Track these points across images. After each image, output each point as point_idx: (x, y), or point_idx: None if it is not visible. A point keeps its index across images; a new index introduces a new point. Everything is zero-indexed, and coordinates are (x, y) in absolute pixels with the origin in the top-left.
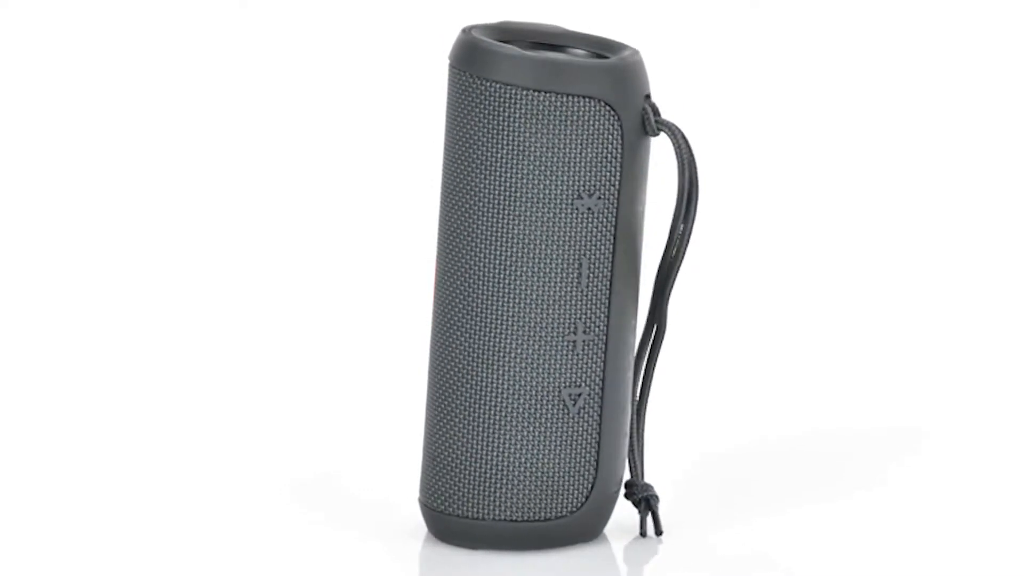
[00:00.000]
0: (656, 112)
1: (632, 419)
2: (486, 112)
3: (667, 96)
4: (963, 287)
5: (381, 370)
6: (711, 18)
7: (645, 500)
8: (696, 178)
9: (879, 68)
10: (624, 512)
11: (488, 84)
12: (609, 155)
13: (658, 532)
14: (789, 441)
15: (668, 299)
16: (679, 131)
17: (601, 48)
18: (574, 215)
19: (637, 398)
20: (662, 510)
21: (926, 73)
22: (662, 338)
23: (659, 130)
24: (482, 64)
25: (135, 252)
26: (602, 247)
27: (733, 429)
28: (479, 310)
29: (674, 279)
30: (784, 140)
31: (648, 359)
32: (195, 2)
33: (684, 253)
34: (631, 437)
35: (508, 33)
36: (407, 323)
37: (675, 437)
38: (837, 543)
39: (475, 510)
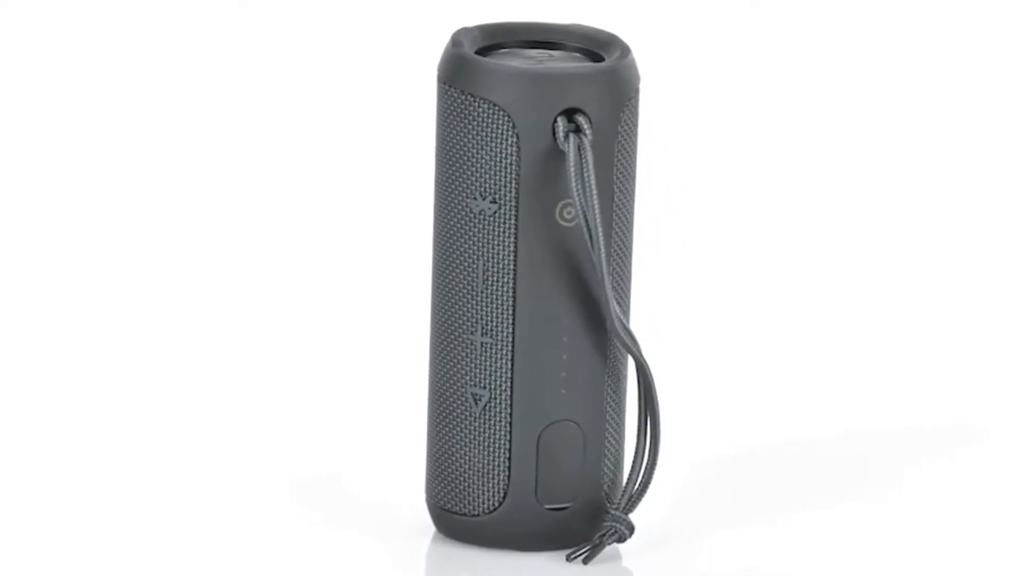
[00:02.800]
0: (577, 129)
1: (639, 452)
2: (440, 108)
3: (666, 94)
4: (968, 288)
5: (382, 370)
6: (710, 17)
7: (606, 531)
8: (591, 206)
9: (879, 68)
10: (633, 516)
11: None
12: (504, 161)
13: (584, 561)
14: (791, 445)
15: (617, 328)
16: (575, 154)
17: (600, 49)
18: (469, 216)
19: (647, 433)
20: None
21: (926, 72)
22: (638, 364)
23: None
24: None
25: (135, 253)
26: (501, 252)
27: (734, 432)
28: (432, 307)
29: (609, 306)
30: (784, 139)
31: (643, 392)
32: (195, 2)
33: (602, 280)
34: (635, 470)
35: (502, 33)
36: (409, 323)
37: (673, 440)
38: (838, 550)
39: (428, 496)
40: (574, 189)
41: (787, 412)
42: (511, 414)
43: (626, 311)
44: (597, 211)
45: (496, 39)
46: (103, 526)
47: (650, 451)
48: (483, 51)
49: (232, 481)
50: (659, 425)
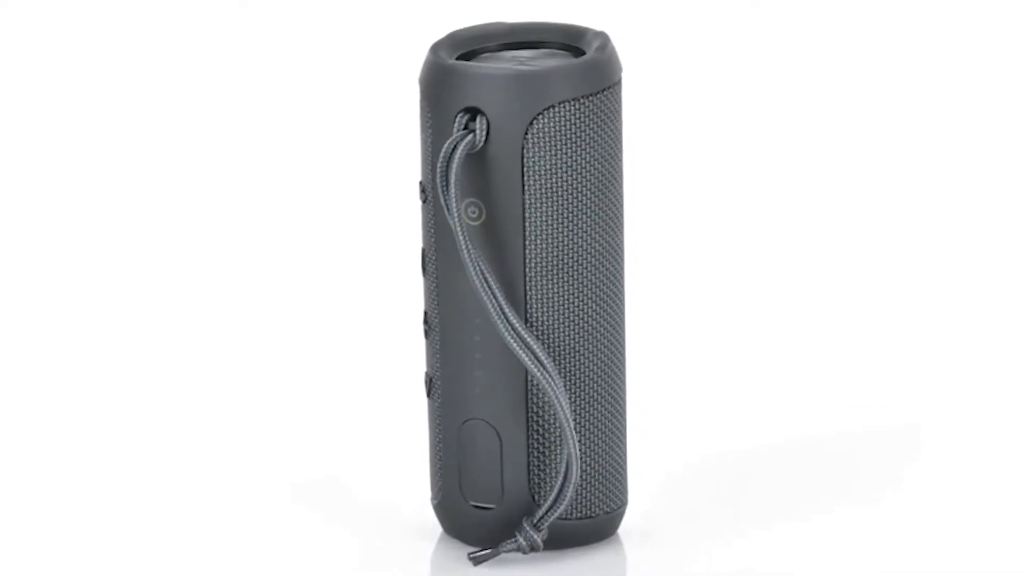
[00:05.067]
0: (468, 128)
1: (566, 465)
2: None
3: (665, 90)
4: (960, 287)
5: (383, 371)
6: (710, 17)
7: (509, 540)
8: (451, 208)
9: (877, 68)
10: (634, 516)
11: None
12: (426, 151)
13: (475, 562)
14: (783, 446)
15: (501, 331)
16: (444, 152)
17: (579, 43)
18: (419, 205)
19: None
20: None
21: (925, 71)
22: (536, 364)
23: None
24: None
25: (137, 253)
26: (429, 246)
27: (722, 433)
28: None
29: (487, 307)
30: (781, 139)
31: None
32: (195, 2)
33: (474, 283)
34: (562, 483)
35: (482, 38)
36: (411, 321)
37: (662, 440)
38: (831, 550)
39: None
40: (438, 188)
41: (779, 412)
42: (441, 405)
43: (554, 317)
44: (456, 213)
45: (490, 40)
46: (104, 527)
47: (563, 467)
48: (480, 51)
49: (233, 483)
50: (568, 440)
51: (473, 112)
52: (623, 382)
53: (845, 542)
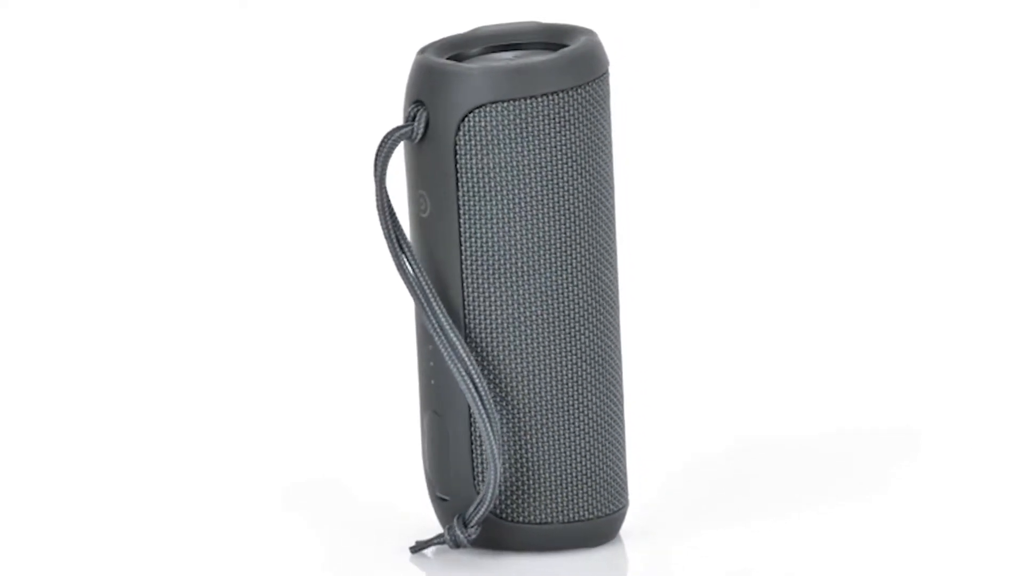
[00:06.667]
0: (413, 124)
1: (489, 461)
2: None
3: (665, 88)
4: (958, 288)
5: (382, 371)
6: (710, 17)
7: (439, 534)
8: (381, 197)
9: (875, 68)
10: (635, 517)
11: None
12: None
13: (412, 551)
14: (780, 445)
15: (428, 327)
16: (382, 141)
17: (564, 39)
18: None
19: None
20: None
21: (922, 69)
22: (452, 358)
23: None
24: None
25: (133, 253)
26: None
27: (722, 433)
28: None
29: (418, 296)
30: (780, 139)
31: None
32: (195, 2)
33: (405, 278)
34: (486, 485)
35: (467, 43)
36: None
37: (662, 440)
38: (827, 549)
39: None
40: (374, 176)
41: (779, 412)
42: (419, 395)
43: (497, 316)
44: (385, 201)
45: (497, 40)
46: (103, 527)
47: (485, 468)
48: (481, 50)
49: (232, 483)
50: (486, 441)
51: (419, 105)
52: (618, 383)
53: (845, 542)
